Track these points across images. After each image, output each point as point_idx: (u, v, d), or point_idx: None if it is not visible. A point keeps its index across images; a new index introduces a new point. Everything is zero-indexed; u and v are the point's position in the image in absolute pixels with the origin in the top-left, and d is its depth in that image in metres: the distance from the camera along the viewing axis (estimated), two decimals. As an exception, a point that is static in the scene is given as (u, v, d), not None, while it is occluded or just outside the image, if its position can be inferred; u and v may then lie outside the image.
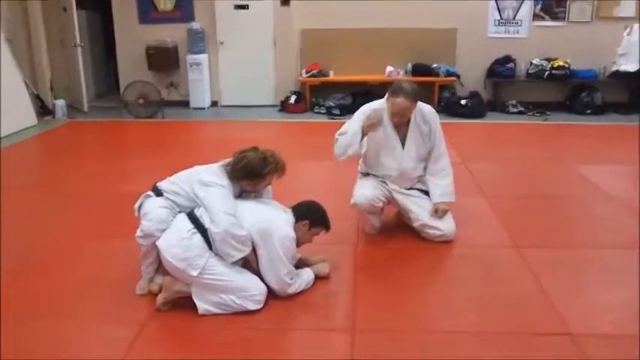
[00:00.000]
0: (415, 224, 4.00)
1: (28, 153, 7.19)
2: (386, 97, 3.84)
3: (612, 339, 2.87)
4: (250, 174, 3.22)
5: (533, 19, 9.14)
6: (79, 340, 2.91)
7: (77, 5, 8.81)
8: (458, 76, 9.14)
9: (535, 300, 3.26)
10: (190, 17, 9.33)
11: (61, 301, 3.29)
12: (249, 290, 3.08)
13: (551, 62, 8.97)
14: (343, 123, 4.05)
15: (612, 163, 6.05)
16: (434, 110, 4.00)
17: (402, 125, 3.89)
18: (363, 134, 3.74)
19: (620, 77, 8.87)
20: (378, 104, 3.94)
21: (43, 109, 8.77)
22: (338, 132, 3.91)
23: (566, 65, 8.91)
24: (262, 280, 3.16)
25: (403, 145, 3.91)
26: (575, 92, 9.07)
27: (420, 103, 3.92)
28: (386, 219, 4.26)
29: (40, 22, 8.79)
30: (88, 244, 4.04)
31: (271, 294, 3.18)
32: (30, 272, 3.65)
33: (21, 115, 8.03)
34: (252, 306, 3.08)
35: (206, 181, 3.18)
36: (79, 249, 3.97)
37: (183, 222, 3.11)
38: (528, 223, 4.40)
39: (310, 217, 3.34)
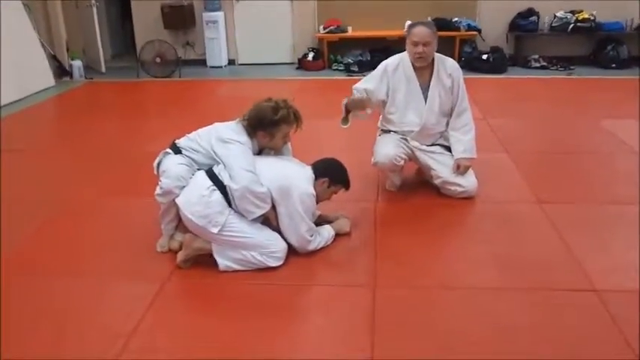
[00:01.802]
0: (436, 181, 3.95)
1: (47, 114, 7.22)
2: (407, 46, 3.80)
3: (637, 295, 2.81)
4: (262, 122, 3.17)
5: (557, -30, 8.86)
6: (101, 296, 2.94)
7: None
8: (479, 31, 8.94)
9: (559, 256, 3.22)
10: (205, -27, 9.19)
11: (82, 259, 3.32)
12: (270, 247, 3.07)
13: (576, 15, 8.69)
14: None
15: (638, 117, 5.90)
16: (456, 64, 3.93)
17: (425, 77, 3.82)
18: (347, 112, 3.70)
19: (648, 30, 8.62)
20: (397, 58, 3.88)
21: (61, 70, 8.77)
22: (355, 85, 3.88)
23: (592, 18, 8.64)
24: (282, 237, 3.15)
25: (426, 98, 3.84)
26: (600, 46, 8.81)
27: (442, 56, 3.87)
28: (406, 176, 4.21)
29: (55, -19, 8.72)
30: (107, 203, 4.06)
31: (292, 251, 3.18)
32: (51, 230, 3.69)
33: (39, 76, 8.03)
34: (272, 263, 3.08)
35: (225, 138, 3.14)
36: (98, 208, 4.00)
37: (202, 179, 3.09)
38: (551, 179, 4.33)
39: (330, 174, 3.31)
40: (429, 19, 8.72)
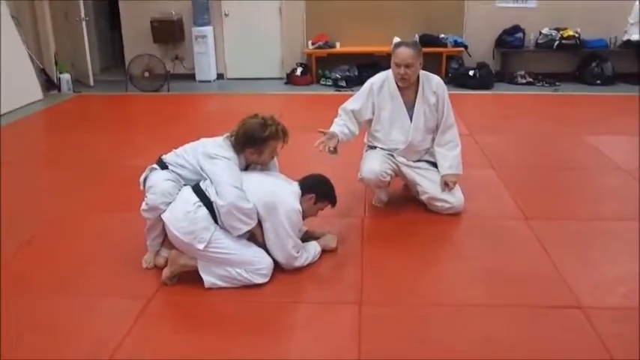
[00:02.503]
0: (423, 197, 3.96)
1: (34, 127, 7.19)
2: (391, 65, 3.81)
3: (623, 311, 2.84)
4: (251, 139, 3.17)
5: (543, -12, 8.98)
6: (85, 312, 2.91)
7: (81, -22, 8.73)
8: (466, 47, 9.03)
9: (544, 272, 3.23)
10: (195, -12, 9.21)
11: (67, 274, 3.28)
12: (256, 264, 3.06)
13: (561, 32, 8.82)
14: (349, 95, 4.02)
15: (622, 133, 5.97)
16: (441, 81, 3.95)
17: (409, 95, 3.84)
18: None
19: (631, 47, 8.73)
20: (383, 75, 3.90)
21: (49, 84, 8.74)
22: (342, 105, 3.89)
23: (576, 35, 8.77)
24: (269, 253, 3.14)
25: (411, 117, 3.86)
26: (584, 62, 8.93)
27: (427, 73, 3.89)
28: (393, 192, 4.22)
29: (45, -5, 8.72)
30: (93, 218, 4.03)
31: (277, 267, 3.16)
32: (37, 245, 3.66)
33: (27, 89, 8.01)
34: (258, 279, 3.06)
35: (212, 154, 3.14)
36: (84, 222, 3.97)
37: (188, 195, 3.08)
38: (537, 195, 4.36)
39: (316, 190, 3.31)
40: (416, 35, 8.83)
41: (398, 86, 3.83)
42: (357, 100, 3.90)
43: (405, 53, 3.71)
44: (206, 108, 7.80)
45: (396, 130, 3.89)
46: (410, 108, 3.86)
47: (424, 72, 3.88)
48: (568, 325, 2.75)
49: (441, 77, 3.99)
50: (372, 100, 3.86)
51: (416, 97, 3.85)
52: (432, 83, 3.87)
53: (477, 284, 3.12)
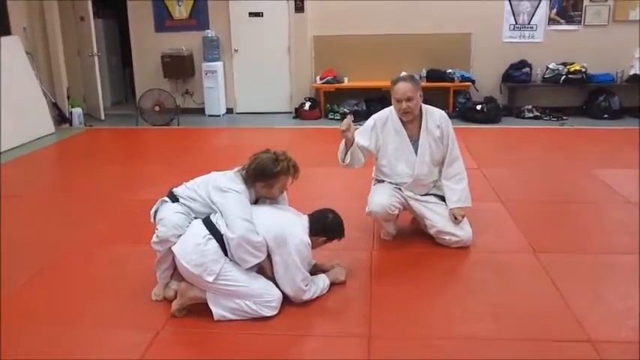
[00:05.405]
0: (431, 231, 3.97)
1: (46, 160, 7.29)
2: (392, 102, 3.87)
3: (633, 345, 2.81)
4: (262, 174, 3.21)
5: (548, 23, 9.09)
6: (94, 344, 2.93)
7: (94, 14, 8.92)
8: (473, 82, 9.11)
9: (553, 306, 3.22)
10: (205, 25, 9.39)
11: (76, 306, 3.30)
12: (265, 296, 3.07)
13: (568, 66, 8.90)
14: (357, 129, 4.06)
15: (630, 167, 5.97)
16: (445, 114, 3.99)
17: (413, 129, 3.89)
18: (346, 144, 3.73)
19: (638, 81, 8.78)
20: (386, 112, 3.96)
21: (61, 118, 8.88)
22: None
23: (583, 69, 8.84)
24: (278, 286, 3.15)
25: (416, 150, 3.90)
26: (592, 96, 8.99)
27: (429, 107, 3.95)
28: (401, 225, 4.24)
29: (58, 32, 8.90)
30: (104, 250, 4.06)
31: (286, 300, 3.17)
32: (47, 277, 3.69)
33: (40, 123, 8.14)
34: (267, 312, 3.07)
35: (222, 187, 3.18)
36: (95, 255, 4.00)
37: (198, 228, 3.11)
38: (546, 228, 4.36)
39: (325, 232, 3.32)
40: (424, 70, 8.93)
41: (402, 121, 3.87)
42: (359, 134, 3.90)
43: (404, 88, 3.77)
44: (215, 142, 7.87)
45: (402, 164, 3.92)
46: (414, 142, 3.90)
47: (426, 105, 3.93)
48: (577, 359, 2.73)
49: (448, 112, 4.04)
50: (375, 135, 3.90)
51: (420, 131, 3.89)
52: (436, 116, 3.92)
53: (485, 318, 3.11)
